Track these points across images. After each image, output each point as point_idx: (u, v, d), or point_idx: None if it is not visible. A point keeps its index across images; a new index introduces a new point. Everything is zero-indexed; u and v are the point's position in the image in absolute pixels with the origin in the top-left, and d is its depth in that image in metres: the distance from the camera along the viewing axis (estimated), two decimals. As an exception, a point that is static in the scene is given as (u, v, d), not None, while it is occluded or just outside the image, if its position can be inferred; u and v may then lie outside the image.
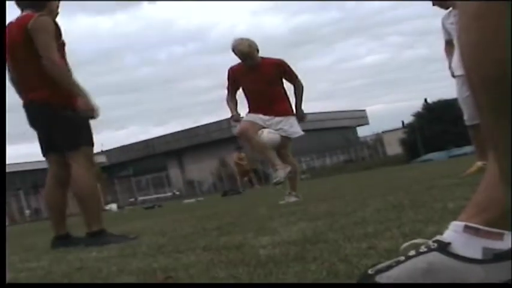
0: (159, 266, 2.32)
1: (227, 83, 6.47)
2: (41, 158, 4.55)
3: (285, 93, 6.42)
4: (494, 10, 0.79)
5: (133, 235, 4.28)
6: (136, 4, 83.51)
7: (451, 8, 5.89)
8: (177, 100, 76.39)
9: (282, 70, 6.29)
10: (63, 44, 4.31)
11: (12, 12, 4.38)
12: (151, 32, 76.31)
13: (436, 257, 1.19)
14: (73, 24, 68.87)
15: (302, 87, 6.38)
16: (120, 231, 4.71)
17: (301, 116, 6.46)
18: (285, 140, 6.28)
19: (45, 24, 4.19)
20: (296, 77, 6.36)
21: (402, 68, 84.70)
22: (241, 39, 6.24)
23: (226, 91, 6.52)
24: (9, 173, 21.29)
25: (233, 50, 6.23)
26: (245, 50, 6.15)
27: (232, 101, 6.46)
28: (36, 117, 4.33)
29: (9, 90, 4.39)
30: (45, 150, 4.43)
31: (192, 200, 17.53)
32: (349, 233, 2.42)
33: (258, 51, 6.23)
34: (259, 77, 6.18)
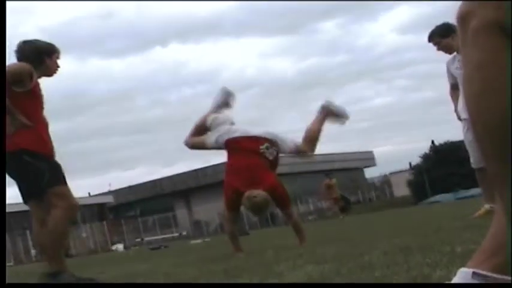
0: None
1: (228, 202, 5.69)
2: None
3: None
4: (495, 61, 0.80)
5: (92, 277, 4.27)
6: (149, 47, 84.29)
7: (455, 53, 5.94)
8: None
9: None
10: (33, 94, 4.27)
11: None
12: (162, 74, 76.98)
13: (443, 304, 1.18)
14: (86, 66, 69.83)
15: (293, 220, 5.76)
16: (123, 272, 4.68)
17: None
18: None
19: (13, 65, 4.20)
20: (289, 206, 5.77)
21: (409, 110, 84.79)
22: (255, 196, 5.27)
23: (225, 206, 5.74)
24: (16, 212, 21.23)
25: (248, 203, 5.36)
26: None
27: (235, 226, 5.97)
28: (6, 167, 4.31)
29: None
30: (25, 198, 4.40)
31: (199, 241, 17.43)
32: (356, 277, 2.40)
33: None
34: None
